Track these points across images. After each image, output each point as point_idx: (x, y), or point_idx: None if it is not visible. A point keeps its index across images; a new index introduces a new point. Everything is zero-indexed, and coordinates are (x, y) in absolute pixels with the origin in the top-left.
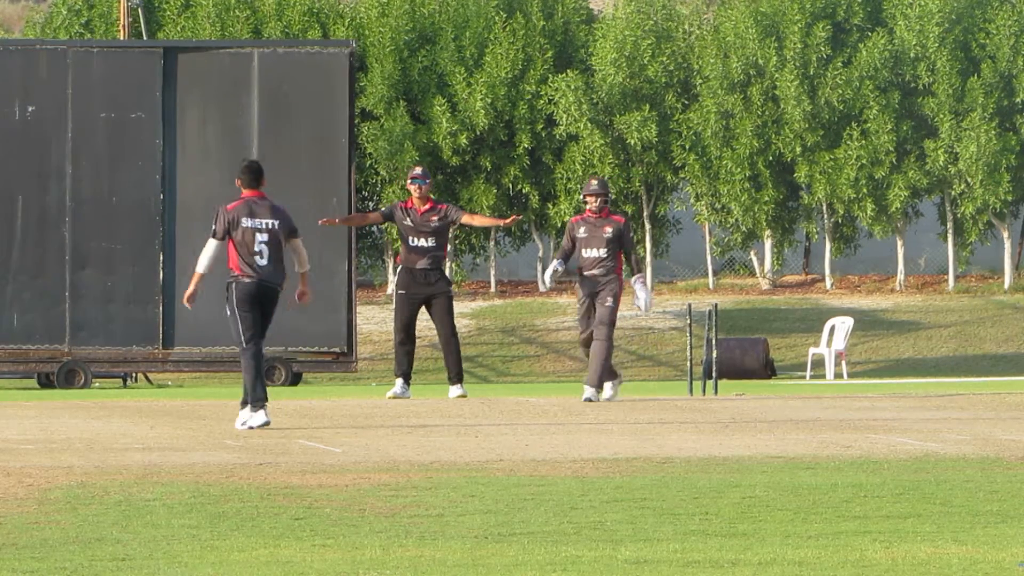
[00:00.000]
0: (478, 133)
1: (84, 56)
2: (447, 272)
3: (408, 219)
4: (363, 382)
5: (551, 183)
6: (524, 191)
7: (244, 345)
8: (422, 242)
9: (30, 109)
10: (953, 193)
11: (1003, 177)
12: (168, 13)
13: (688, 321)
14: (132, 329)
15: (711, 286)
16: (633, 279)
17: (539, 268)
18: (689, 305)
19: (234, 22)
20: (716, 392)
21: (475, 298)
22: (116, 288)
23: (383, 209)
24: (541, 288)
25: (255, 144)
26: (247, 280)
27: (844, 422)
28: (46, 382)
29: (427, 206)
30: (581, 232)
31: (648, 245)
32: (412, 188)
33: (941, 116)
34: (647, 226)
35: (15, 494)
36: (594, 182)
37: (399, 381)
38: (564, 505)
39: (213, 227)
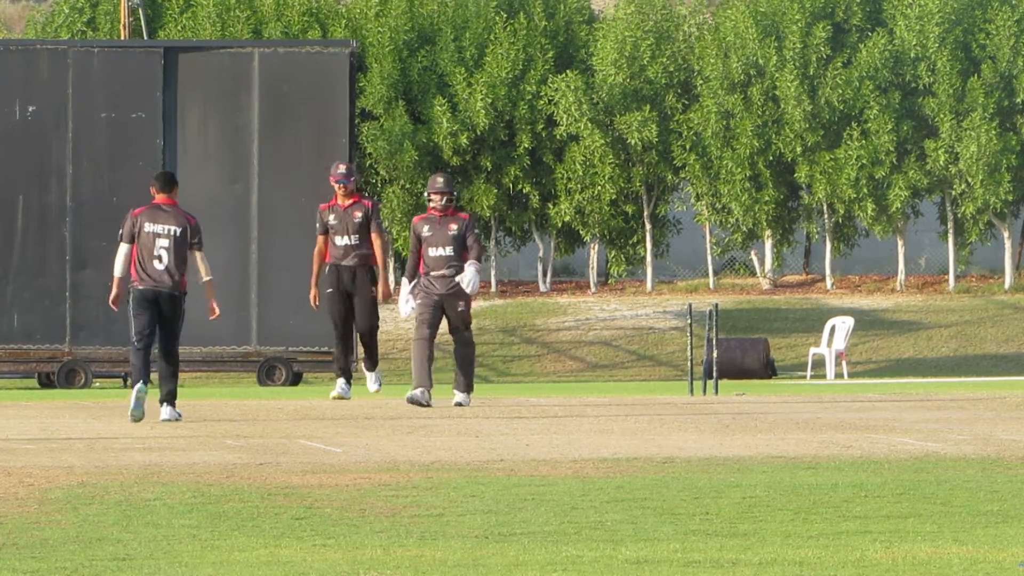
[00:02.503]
0: (478, 133)
1: (84, 56)
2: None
3: (332, 216)
4: (363, 382)
5: (551, 183)
6: (524, 191)
7: (135, 345)
8: (347, 240)
9: (30, 109)
10: (953, 193)
11: (1003, 177)
12: (169, 13)
13: (688, 321)
14: None
15: (711, 286)
16: (468, 262)
17: (539, 268)
18: (689, 305)
19: (234, 22)
20: (716, 392)
21: (475, 298)
22: None
23: (317, 227)
24: (403, 314)
25: (255, 144)
26: (140, 287)
27: (844, 422)
28: (47, 382)
29: (351, 201)
30: (425, 231)
31: (648, 245)
32: (337, 187)
33: (941, 116)
34: (647, 226)
35: (16, 494)
36: (440, 179)
37: (340, 381)
38: (564, 505)
39: (120, 231)
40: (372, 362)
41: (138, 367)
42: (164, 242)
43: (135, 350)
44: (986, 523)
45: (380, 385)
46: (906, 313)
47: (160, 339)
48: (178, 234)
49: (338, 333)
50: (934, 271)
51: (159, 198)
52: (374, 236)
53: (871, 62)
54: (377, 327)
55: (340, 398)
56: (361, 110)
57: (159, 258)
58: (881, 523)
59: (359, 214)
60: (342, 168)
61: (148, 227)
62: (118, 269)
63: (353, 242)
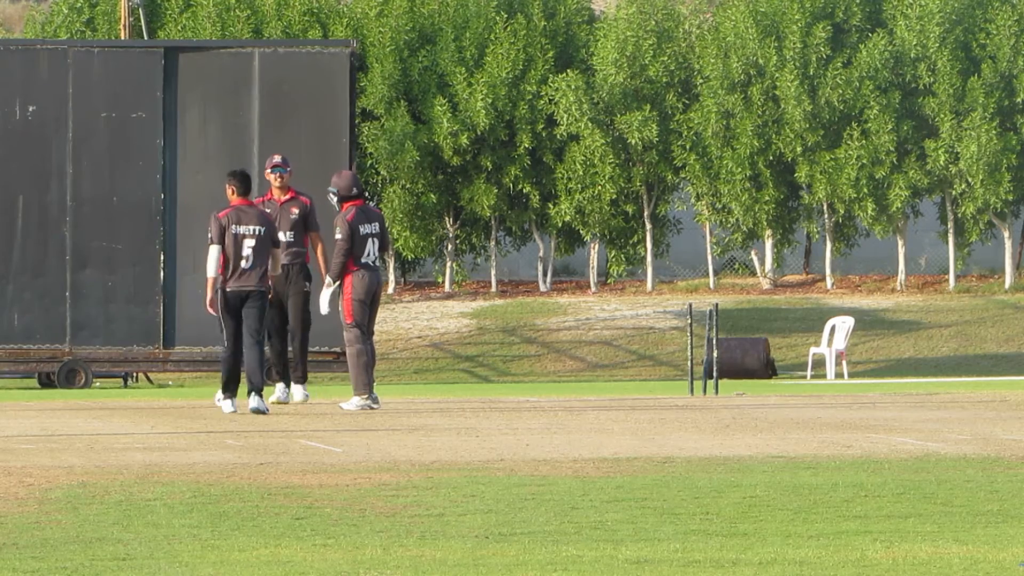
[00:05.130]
0: (479, 133)
1: (85, 56)
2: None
3: (268, 210)
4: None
5: (552, 183)
6: (524, 191)
7: (224, 347)
8: (281, 236)
9: (31, 109)
10: (954, 193)
11: (1003, 177)
12: (169, 13)
13: (689, 321)
14: (133, 329)
15: (712, 286)
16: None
17: (539, 268)
18: (690, 305)
19: (234, 22)
20: (717, 392)
21: (476, 298)
22: (117, 288)
23: None
24: (323, 311)
25: (255, 144)
26: (228, 290)
27: (844, 422)
28: (47, 382)
29: (287, 196)
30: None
31: (648, 245)
32: (272, 177)
33: (941, 116)
34: (648, 226)
35: (16, 494)
36: (277, 157)
37: (280, 386)
38: (565, 505)
39: (210, 235)
40: (301, 373)
41: (225, 369)
42: (251, 242)
43: (224, 360)
44: (986, 523)
45: (307, 397)
46: (906, 313)
47: (245, 330)
48: (262, 233)
49: (274, 346)
50: (934, 271)
51: (239, 200)
52: (314, 236)
53: (871, 62)
54: (308, 328)
55: (280, 403)
56: (362, 110)
57: (246, 258)
58: (881, 523)
59: (296, 210)
60: (277, 158)
61: (235, 229)
62: (211, 270)
63: (287, 238)
